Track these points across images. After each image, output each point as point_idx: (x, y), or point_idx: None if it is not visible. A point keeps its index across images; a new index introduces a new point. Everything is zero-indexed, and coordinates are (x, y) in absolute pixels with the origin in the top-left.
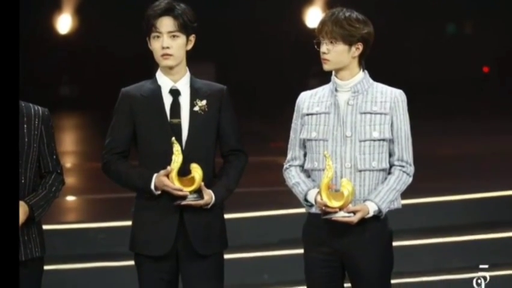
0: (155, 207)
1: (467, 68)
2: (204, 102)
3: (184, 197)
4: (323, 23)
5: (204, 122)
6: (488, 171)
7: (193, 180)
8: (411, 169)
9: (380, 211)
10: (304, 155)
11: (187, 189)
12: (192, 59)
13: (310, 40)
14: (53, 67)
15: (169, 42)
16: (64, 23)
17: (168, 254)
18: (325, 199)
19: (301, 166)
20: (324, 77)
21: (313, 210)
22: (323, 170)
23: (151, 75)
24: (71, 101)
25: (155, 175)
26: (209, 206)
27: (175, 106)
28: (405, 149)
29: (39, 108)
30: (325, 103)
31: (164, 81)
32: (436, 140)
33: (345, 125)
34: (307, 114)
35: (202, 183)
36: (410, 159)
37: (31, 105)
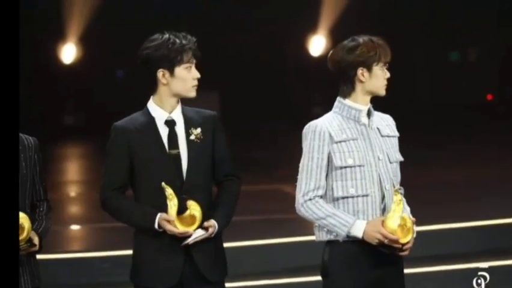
0: (159, 240)
1: (470, 95)
2: (199, 130)
3: (189, 236)
4: (382, 46)
5: (201, 150)
6: (490, 198)
7: (194, 218)
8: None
9: None
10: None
11: (190, 229)
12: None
13: (313, 68)
14: (57, 97)
15: None
16: (68, 52)
17: (175, 285)
18: (399, 234)
19: (322, 196)
20: (326, 105)
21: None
22: (361, 196)
23: None
24: (76, 131)
25: (158, 215)
26: (213, 235)
27: (173, 137)
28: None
29: (30, 138)
30: (349, 130)
31: (158, 113)
32: (437, 166)
33: (375, 148)
34: (338, 142)
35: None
36: None
37: (23, 135)
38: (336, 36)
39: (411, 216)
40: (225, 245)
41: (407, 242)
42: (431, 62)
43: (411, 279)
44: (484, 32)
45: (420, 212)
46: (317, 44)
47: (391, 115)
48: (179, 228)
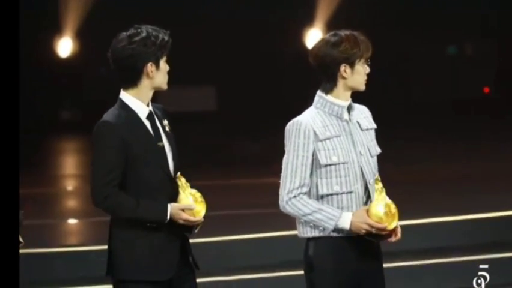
0: (158, 233)
1: (467, 89)
2: (166, 121)
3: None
4: (365, 42)
5: (174, 141)
6: (488, 192)
7: (204, 205)
8: None
9: None
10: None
11: (201, 216)
12: (192, 82)
13: (309, 62)
14: (54, 91)
15: None
16: (65, 46)
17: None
18: (385, 221)
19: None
20: None
21: (335, 233)
22: (345, 193)
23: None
24: (73, 125)
25: (169, 206)
26: None
27: (157, 130)
28: None
29: None
30: (332, 126)
31: (139, 107)
32: (437, 161)
33: (357, 144)
34: (322, 140)
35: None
36: None
37: None
38: (333, 29)
39: None
40: (224, 239)
41: (395, 228)
42: (428, 56)
43: (411, 273)
44: (482, 27)
45: (419, 205)
46: (314, 38)
47: (388, 111)
48: (195, 216)
